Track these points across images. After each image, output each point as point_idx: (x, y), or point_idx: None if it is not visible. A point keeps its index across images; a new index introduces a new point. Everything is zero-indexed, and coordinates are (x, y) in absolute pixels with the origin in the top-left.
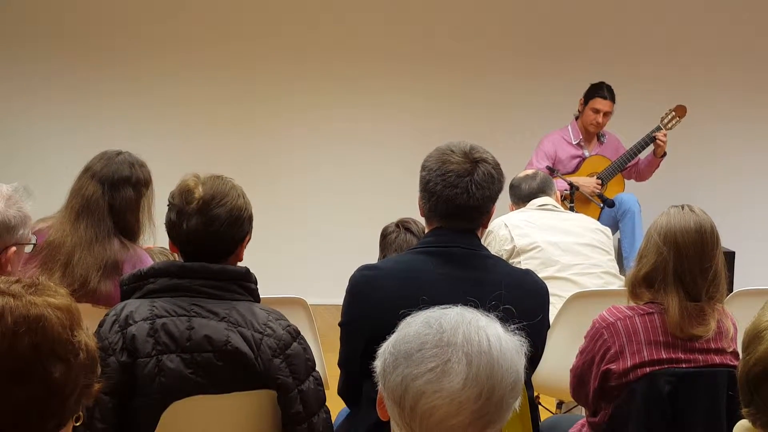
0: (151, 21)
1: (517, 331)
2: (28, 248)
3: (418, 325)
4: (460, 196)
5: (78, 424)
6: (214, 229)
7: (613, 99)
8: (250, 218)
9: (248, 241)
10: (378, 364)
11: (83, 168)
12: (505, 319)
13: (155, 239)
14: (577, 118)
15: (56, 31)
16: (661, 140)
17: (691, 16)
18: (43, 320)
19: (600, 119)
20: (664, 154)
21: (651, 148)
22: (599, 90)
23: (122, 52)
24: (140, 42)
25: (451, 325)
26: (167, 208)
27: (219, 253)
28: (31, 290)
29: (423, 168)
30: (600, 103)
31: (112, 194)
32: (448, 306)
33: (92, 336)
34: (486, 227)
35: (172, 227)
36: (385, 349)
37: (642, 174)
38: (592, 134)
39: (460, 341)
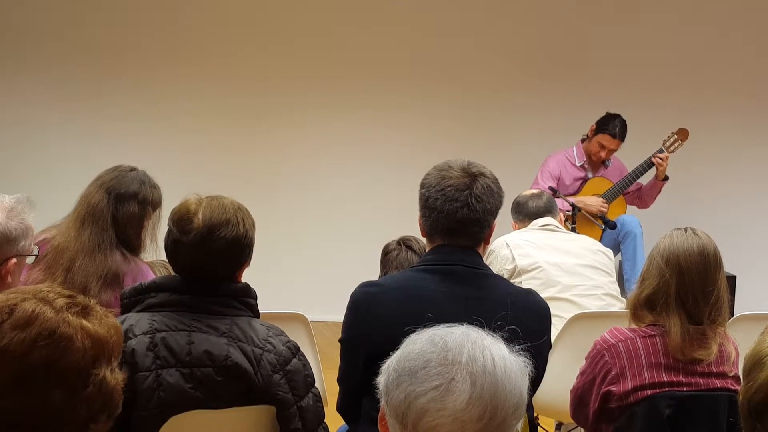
0: (159, 33)
1: (521, 352)
2: (29, 260)
3: (423, 343)
4: (461, 209)
5: None
6: (209, 261)
7: (622, 138)
8: (249, 246)
9: (246, 266)
10: (381, 380)
11: (95, 177)
12: (509, 340)
13: (157, 257)
14: (583, 141)
15: (63, 42)
16: (659, 161)
17: (696, 40)
18: (66, 341)
19: (603, 155)
20: (666, 177)
21: (654, 171)
22: (611, 128)
23: (130, 63)
24: (148, 54)
25: (457, 343)
26: (167, 226)
27: (214, 278)
28: (75, 309)
29: (422, 186)
30: (607, 141)
31: (116, 206)
32: (453, 324)
33: (119, 376)
34: (488, 243)
35: (169, 254)
36: (389, 366)
37: (644, 199)
38: (595, 161)
39: (465, 360)
